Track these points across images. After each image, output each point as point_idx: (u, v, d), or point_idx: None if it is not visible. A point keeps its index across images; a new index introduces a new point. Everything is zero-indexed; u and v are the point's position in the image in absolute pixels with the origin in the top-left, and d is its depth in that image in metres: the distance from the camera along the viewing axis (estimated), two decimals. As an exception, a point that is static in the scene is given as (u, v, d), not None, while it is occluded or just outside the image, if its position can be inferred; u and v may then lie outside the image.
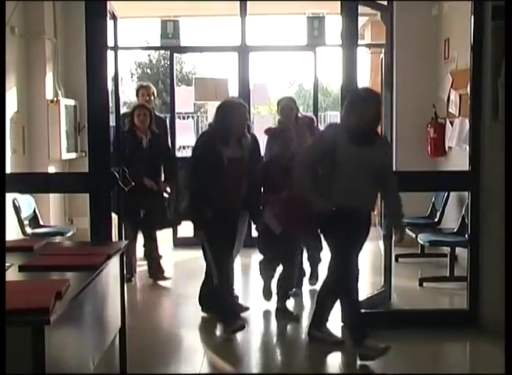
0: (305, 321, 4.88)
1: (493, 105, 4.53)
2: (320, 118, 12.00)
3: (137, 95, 6.93)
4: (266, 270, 5.27)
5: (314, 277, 5.80)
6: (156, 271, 6.29)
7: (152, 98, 6.90)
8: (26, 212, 6.55)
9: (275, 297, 5.15)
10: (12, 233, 6.23)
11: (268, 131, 5.65)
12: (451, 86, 6.71)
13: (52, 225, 7.17)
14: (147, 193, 5.99)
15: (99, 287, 3.06)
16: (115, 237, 4.75)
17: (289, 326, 4.87)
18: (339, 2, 4.60)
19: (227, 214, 4.61)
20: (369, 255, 6.24)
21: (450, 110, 6.77)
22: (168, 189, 6.20)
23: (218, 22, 16.39)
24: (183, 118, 10.30)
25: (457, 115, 6.56)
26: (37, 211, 6.82)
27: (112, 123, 4.91)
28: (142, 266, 6.49)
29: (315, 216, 4.13)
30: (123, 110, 7.77)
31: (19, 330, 2.22)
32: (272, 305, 5.15)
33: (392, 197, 4.27)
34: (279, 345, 4.57)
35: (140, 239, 6.43)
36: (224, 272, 4.67)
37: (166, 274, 6.33)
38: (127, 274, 5.71)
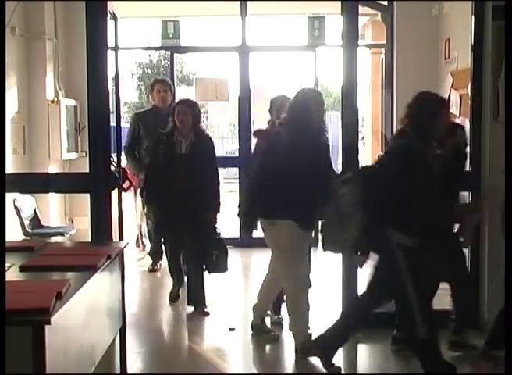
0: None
1: (494, 105, 4.53)
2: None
3: (152, 92, 6.18)
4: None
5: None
6: (199, 299, 5.09)
7: (169, 94, 6.12)
8: (26, 213, 6.55)
9: None
10: (13, 233, 6.23)
11: (259, 133, 4.84)
12: (451, 86, 6.70)
13: (52, 225, 7.18)
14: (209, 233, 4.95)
15: (99, 287, 3.06)
16: (115, 237, 4.75)
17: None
18: (340, 2, 4.59)
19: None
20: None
21: (451, 110, 6.76)
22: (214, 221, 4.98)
23: (218, 22, 16.37)
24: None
25: (458, 115, 6.55)
26: (37, 211, 6.82)
27: (113, 123, 4.91)
28: (145, 266, 6.51)
29: None
30: (124, 110, 7.65)
31: (19, 330, 2.23)
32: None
33: None
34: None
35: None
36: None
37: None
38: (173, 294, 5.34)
